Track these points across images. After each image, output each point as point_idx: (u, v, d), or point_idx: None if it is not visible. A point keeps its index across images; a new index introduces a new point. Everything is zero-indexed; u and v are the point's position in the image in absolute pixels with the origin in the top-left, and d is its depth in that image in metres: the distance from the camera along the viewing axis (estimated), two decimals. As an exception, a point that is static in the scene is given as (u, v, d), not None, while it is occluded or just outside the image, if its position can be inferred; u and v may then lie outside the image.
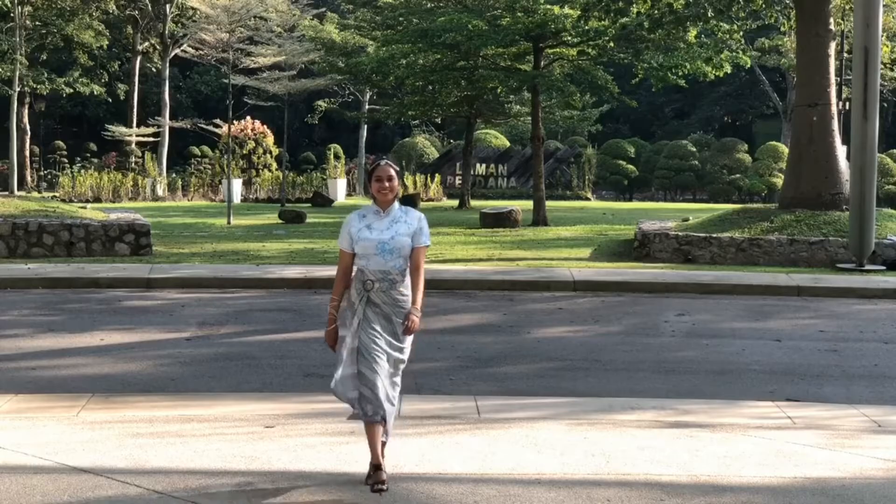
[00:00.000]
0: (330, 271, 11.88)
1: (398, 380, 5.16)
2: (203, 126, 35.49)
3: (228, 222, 23.32)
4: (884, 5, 17.99)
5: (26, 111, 43.20)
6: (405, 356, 5.19)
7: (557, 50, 24.89)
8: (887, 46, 23.37)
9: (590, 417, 6.47)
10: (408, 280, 5.17)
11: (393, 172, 5.20)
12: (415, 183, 36.50)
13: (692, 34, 21.50)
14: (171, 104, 44.31)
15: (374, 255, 5.10)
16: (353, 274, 5.22)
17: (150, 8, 42.93)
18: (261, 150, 38.46)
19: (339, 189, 35.54)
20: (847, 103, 26.46)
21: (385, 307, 5.11)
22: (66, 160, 45.73)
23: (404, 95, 31.64)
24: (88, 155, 46.20)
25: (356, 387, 4.99)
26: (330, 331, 5.19)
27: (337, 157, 39.90)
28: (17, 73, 39.14)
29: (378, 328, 5.07)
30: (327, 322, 5.22)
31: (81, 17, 41.72)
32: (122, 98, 47.09)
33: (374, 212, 5.22)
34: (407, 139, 47.17)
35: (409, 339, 5.21)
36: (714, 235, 16.41)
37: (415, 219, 5.23)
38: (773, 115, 50.90)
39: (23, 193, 35.89)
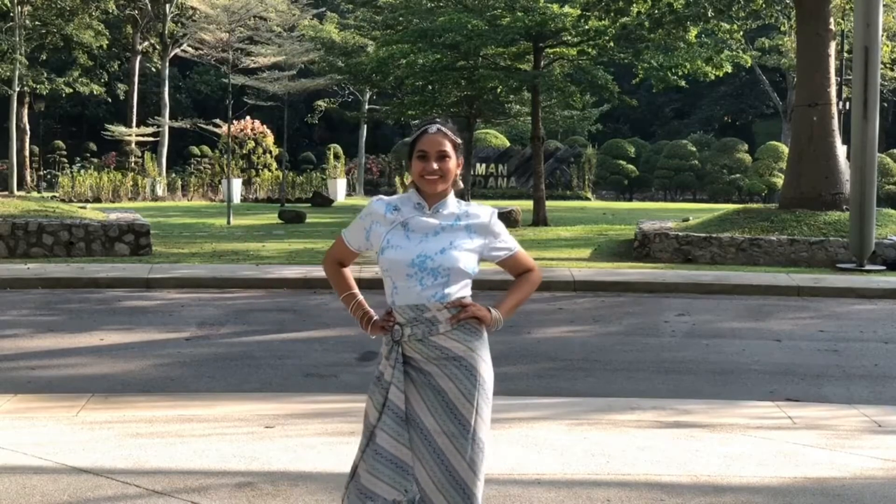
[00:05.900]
0: (330, 271, 11.85)
1: (480, 487, 3.23)
2: (203, 126, 35.52)
3: (228, 222, 23.32)
4: (884, 5, 17.98)
5: (26, 111, 43.19)
6: (483, 433, 3.26)
7: (557, 50, 24.88)
8: (887, 46, 23.36)
9: (590, 417, 6.46)
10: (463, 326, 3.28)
11: (449, 147, 3.31)
12: (415, 183, 36.52)
13: (692, 34, 21.51)
14: (171, 104, 44.30)
15: (405, 278, 3.25)
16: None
17: (149, 8, 42.92)
18: (260, 150, 38.49)
19: (338, 189, 35.62)
20: (847, 103, 26.45)
21: (428, 365, 3.27)
22: (65, 160, 45.79)
23: (404, 95, 31.65)
24: (88, 155, 46.23)
25: None
26: (373, 321, 3.39)
27: (337, 157, 39.91)
28: (17, 72, 39.14)
29: (416, 427, 3.24)
30: (361, 322, 3.41)
31: (81, 16, 41.71)
32: (121, 98, 47.11)
33: (415, 205, 3.35)
34: (407, 139, 47.15)
35: (487, 386, 3.31)
36: (714, 235, 16.41)
37: (482, 225, 3.35)
38: (773, 115, 50.88)
39: (22, 193, 35.90)
